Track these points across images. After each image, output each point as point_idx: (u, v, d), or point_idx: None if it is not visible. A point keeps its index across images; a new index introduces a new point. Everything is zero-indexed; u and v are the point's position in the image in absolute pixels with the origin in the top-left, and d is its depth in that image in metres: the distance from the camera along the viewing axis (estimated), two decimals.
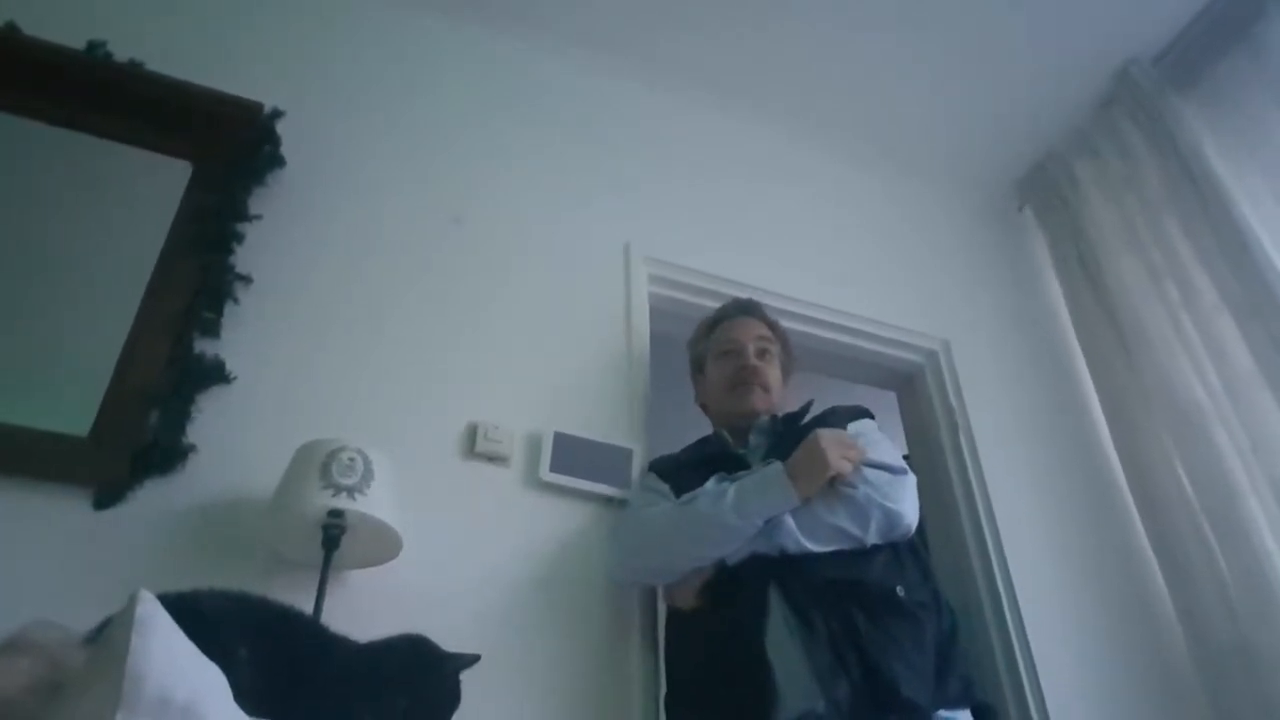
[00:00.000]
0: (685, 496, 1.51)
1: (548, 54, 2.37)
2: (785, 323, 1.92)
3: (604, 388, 1.88)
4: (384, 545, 1.40)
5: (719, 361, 1.80)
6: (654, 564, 1.53)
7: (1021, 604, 1.95)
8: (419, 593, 1.45)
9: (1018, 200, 2.80)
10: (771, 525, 1.39)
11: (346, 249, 1.82)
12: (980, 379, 2.33)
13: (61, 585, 1.26)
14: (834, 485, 1.41)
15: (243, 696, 0.79)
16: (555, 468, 1.68)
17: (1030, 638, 1.90)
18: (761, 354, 1.77)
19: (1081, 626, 2.00)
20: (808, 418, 1.63)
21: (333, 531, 1.33)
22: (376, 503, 1.34)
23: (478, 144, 2.12)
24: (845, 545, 1.39)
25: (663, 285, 2.12)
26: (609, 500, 1.71)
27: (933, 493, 2.15)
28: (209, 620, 0.90)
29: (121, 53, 1.77)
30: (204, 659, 0.78)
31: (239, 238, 1.68)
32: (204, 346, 1.56)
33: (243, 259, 1.67)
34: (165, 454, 1.43)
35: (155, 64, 1.78)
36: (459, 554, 1.55)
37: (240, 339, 1.60)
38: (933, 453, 2.24)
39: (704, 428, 1.81)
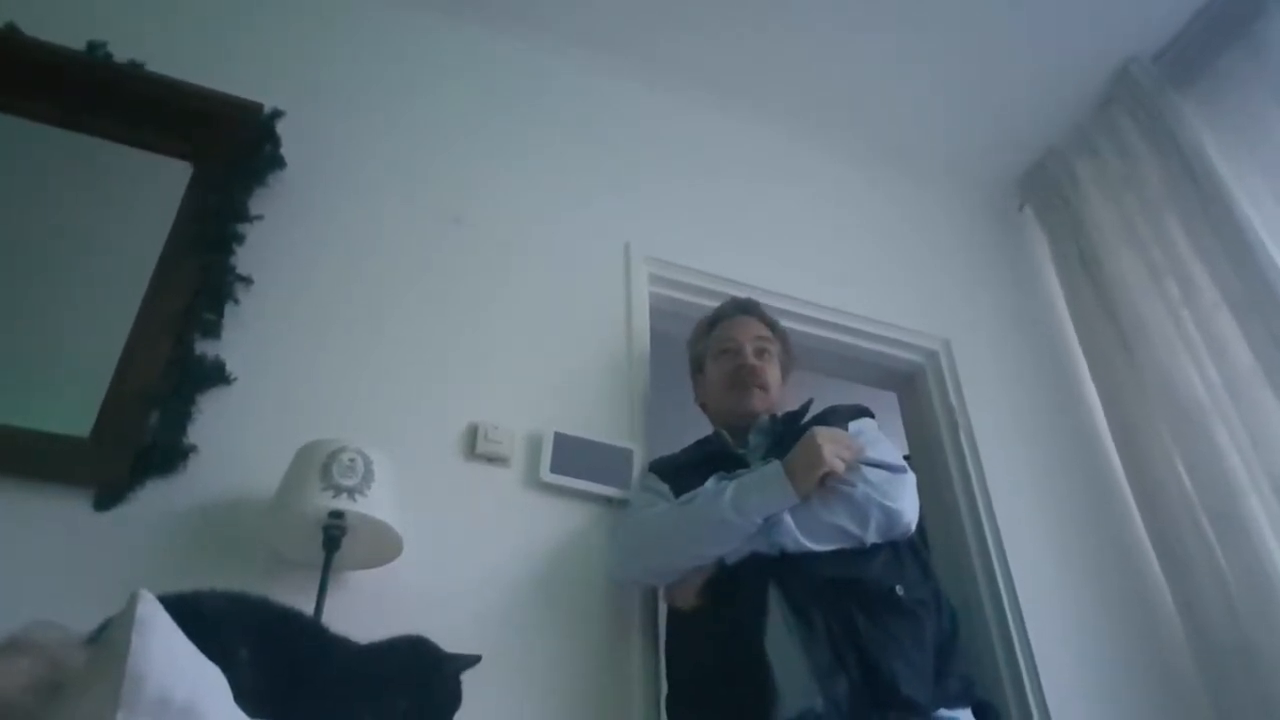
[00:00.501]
0: (685, 496, 1.51)
1: (548, 54, 2.37)
2: (785, 322, 1.92)
3: (604, 388, 1.88)
4: (384, 546, 1.40)
5: (718, 361, 1.80)
6: (654, 564, 1.53)
7: (1022, 602, 1.95)
8: (419, 593, 1.45)
9: (1018, 199, 2.80)
10: (771, 524, 1.39)
11: (346, 249, 1.82)
12: (980, 378, 2.32)
13: (62, 585, 1.25)
14: (831, 483, 1.41)
15: (243, 697, 0.79)
16: (555, 468, 1.69)
17: (1030, 636, 1.90)
18: (760, 353, 1.77)
19: (1082, 625, 2.00)
20: (807, 417, 1.62)
21: (333, 532, 1.33)
22: (377, 504, 1.34)
23: (477, 144, 2.12)
24: (845, 544, 1.39)
25: (663, 285, 2.12)
26: (609, 501, 1.71)
27: (933, 492, 2.15)
28: (209, 621, 0.90)
29: (121, 53, 1.77)
30: (204, 659, 0.78)
31: (239, 238, 1.68)
32: (204, 347, 1.56)
33: (243, 259, 1.67)
34: (166, 454, 1.43)
35: (155, 64, 1.78)
36: (459, 555, 1.55)
37: (240, 339, 1.60)
38: (933, 452, 2.24)
39: (704, 428, 1.81)
